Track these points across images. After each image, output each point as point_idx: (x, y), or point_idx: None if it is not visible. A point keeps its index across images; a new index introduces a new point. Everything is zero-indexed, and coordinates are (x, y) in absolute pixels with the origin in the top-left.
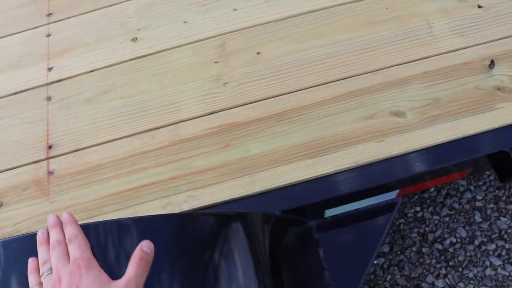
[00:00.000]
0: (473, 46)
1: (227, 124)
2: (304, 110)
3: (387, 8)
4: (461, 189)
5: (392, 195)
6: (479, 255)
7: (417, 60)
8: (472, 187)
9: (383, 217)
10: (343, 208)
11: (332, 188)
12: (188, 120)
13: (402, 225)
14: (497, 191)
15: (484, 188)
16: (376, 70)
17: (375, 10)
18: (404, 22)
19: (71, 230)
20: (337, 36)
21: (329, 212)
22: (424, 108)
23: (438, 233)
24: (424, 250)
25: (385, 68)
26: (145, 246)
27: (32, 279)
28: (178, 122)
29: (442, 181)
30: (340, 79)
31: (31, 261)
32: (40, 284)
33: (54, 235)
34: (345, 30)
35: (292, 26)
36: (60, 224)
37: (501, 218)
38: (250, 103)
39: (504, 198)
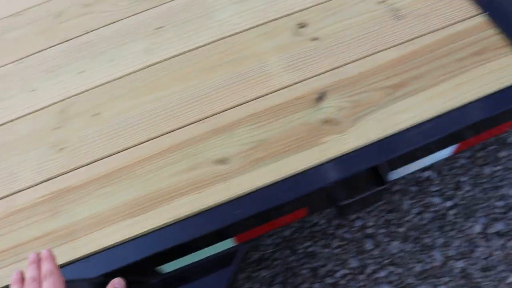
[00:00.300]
0: (305, 80)
1: (59, 190)
2: (133, 167)
3: (222, 52)
4: (352, 217)
5: (228, 243)
6: (371, 284)
7: (249, 101)
8: (362, 214)
9: (223, 267)
10: (182, 262)
11: (154, 244)
12: (24, 190)
13: (293, 262)
14: (388, 214)
15: (374, 213)
16: (205, 118)
17: (211, 56)
18: (239, 65)
19: (47, 266)
20: (171, 88)
21: (170, 267)
22: (249, 152)
23: (329, 267)
24: (315, 286)
25: (214, 115)
26: (117, 283)
27: None
28: (15, 193)
29: (283, 222)
30: (169, 132)
31: (17, 273)
32: None
33: (31, 272)
34: (180, 81)
35: (130, 83)
36: (38, 261)
37: (392, 242)
38: (82, 166)
39: (395, 221)
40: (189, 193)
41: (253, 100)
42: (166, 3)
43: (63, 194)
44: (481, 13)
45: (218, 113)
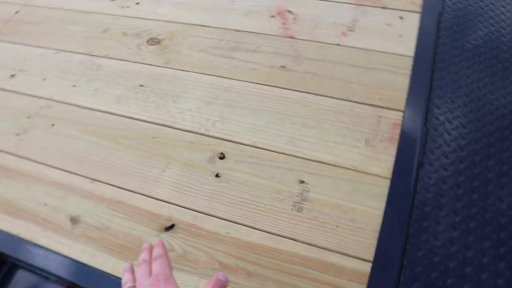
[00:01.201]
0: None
1: None
2: None
3: None
4: None
5: None
6: None
7: None
8: None
9: None
10: None
11: None
12: None
13: None
14: None
15: None
16: None
17: None
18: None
19: (157, 251)
20: None
21: None
22: None
23: None
24: None
25: None
26: (221, 275)
27: (127, 276)
28: None
29: None
30: None
31: (127, 265)
32: None
33: (142, 256)
34: None
35: None
36: (150, 249)
37: None
38: None
39: None
40: None
41: None
42: None
43: None
44: (369, 262)
45: None
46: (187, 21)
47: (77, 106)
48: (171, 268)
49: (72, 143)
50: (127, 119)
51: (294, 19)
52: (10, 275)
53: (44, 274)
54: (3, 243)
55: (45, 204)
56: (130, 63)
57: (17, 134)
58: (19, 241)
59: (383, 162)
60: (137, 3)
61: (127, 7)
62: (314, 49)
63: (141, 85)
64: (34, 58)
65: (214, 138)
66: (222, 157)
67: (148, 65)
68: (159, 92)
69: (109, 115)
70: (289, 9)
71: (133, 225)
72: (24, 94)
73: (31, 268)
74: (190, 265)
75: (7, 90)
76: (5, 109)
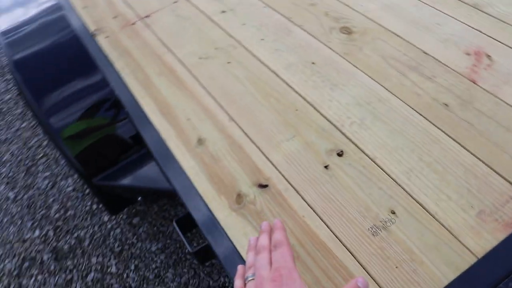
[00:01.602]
0: None
1: None
2: None
3: None
4: None
5: None
6: None
7: None
8: None
9: None
10: None
11: None
12: None
13: None
14: None
15: None
16: None
17: None
18: None
19: (278, 236)
20: None
21: None
22: None
23: None
24: None
25: None
26: (361, 282)
27: (237, 283)
28: None
29: None
30: None
31: (240, 267)
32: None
33: (261, 240)
34: None
35: None
36: (269, 231)
37: None
38: None
39: None
40: None
41: None
42: None
43: None
44: None
45: None
46: (385, 25)
47: (254, 56)
48: (293, 258)
49: (235, 83)
50: (285, 85)
51: (488, 65)
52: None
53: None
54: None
55: (188, 119)
56: (316, 40)
57: (200, 58)
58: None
59: (483, 241)
60: None
61: None
62: (488, 103)
63: (313, 63)
64: (246, 4)
65: (344, 136)
66: (340, 154)
67: (329, 49)
68: (324, 76)
69: (274, 75)
70: (489, 54)
71: (237, 168)
72: (223, 29)
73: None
74: (257, 221)
75: (213, 21)
76: (203, 36)
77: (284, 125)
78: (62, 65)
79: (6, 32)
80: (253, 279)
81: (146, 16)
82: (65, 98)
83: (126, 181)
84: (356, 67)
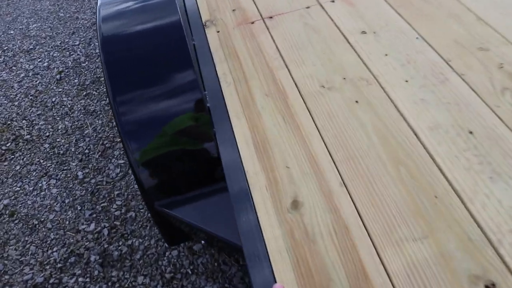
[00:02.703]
0: None
1: None
2: None
3: None
4: None
5: None
6: None
7: None
8: None
9: None
10: None
11: None
12: None
13: None
14: None
15: None
16: None
17: None
18: None
19: None
20: None
21: None
22: None
23: None
24: None
25: None
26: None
27: None
28: None
29: None
30: None
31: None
32: None
33: None
34: None
35: None
36: None
37: None
38: None
39: None
40: None
41: None
42: None
43: None
44: None
45: None
46: None
47: (391, 101)
48: None
49: (358, 132)
50: (426, 154)
51: None
52: None
53: None
54: None
55: (287, 167)
56: (480, 100)
57: (321, 86)
58: None
59: None
60: None
61: None
62: None
63: (470, 132)
64: (393, 29)
65: (500, 259)
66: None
67: (496, 118)
68: (483, 155)
69: (413, 135)
70: None
71: (336, 262)
72: (358, 55)
73: None
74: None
75: (348, 42)
76: (331, 57)
77: (414, 215)
78: (153, 58)
79: (106, 3)
80: None
81: (270, 17)
82: (147, 99)
83: (192, 217)
84: None
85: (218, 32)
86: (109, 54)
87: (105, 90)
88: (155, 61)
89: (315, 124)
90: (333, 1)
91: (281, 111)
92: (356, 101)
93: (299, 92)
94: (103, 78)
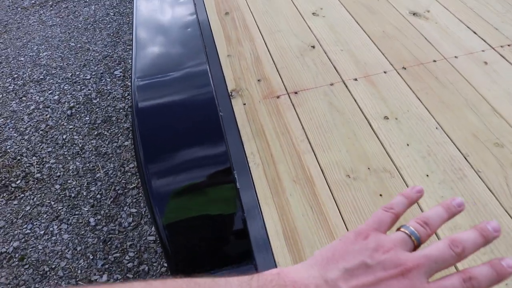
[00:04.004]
0: None
1: None
2: None
3: None
4: None
5: None
6: None
7: None
8: None
9: None
10: None
11: None
12: None
13: None
14: None
15: None
16: None
17: None
18: None
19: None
20: None
21: None
22: None
23: None
24: None
25: None
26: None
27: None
28: None
29: None
30: None
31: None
32: None
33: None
34: None
35: None
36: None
37: None
38: None
39: None
40: None
41: None
42: None
43: None
44: None
45: None
46: None
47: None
48: None
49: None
50: None
51: None
52: None
53: None
54: None
55: None
56: (497, 202)
57: (347, 175)
58: None
59: None
60: None
61: None
62: None
63: None
64: (413, 116)
65: None
66: None
67: (510, 218)
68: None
69: (433, 236)
70: None
71: None
72: (382, 143)
73: None
74: None
75: (371, 127)
76: (356, 143)
77: None
78: (185, 129)
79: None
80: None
81: (295, 92)
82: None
83: None
84: None
85: (245, 104)
86: (143, 122)
87: (116, 131)
88: (187, 133)
89: (342, 216)
90: (356, 80)
91: (309, 200)
92: (380, 195)
93: (326, 182)
94: (114, 118)
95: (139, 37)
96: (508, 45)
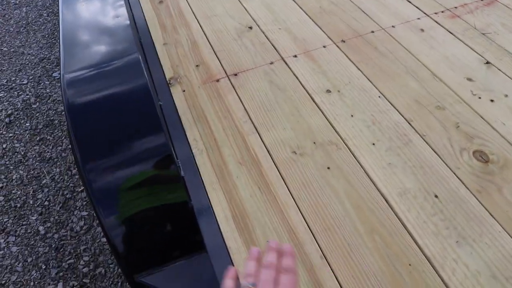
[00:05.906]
0: None
1: None
2: None
3: None
4: None
5: None
6: None
7: None
8: None
9: None
10: None
11: None
12: None
13: None
14: None
15: None
16: None
17: None
18: None
19: (290, 262)
20: None
21: None
22: None
23: None
24: None
25: None
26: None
27: (228, 283)
28: None
29: None
30: None
31: (232, 269)
32: None
33: (270, 257)
34: None
35: None
36: (278, 252)
37: None
38: None
39: None
40: None
41: None
42: None
43: None
44: None
45: None
46: None
47: (361, 167)
48: None
49: (332, 201)
50: (397, 221)
51: None
52: None
53: None
54: None
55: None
56: (441, 162)
57: (293, 152)
58: None
59: None
60: (506, 95)
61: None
62: None
63: (436, 196)
64: (356, 87)
65: None
66: None
67: (457, 179)
68: (449, 219)
69: (384, 203)
70: None
71: None
72: (326, 117)
73: None
74: None
75: (315, 102)
76: (300, 120)
77: (392, 285)
78: (122, 124)
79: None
80: (250, 287)
81: (234, 74)
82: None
83: None
84: (493, 216)
85: (184, 91)
86: (76, 121)
87: (60, 134)
88: (124, 127)
89: (291, 194)
90: (295, 56)
91: (256, 181)
92: (328, 168)
93: (272, 160)
94: (56, 122)
95: (66, 31)
96: (442, 12)
